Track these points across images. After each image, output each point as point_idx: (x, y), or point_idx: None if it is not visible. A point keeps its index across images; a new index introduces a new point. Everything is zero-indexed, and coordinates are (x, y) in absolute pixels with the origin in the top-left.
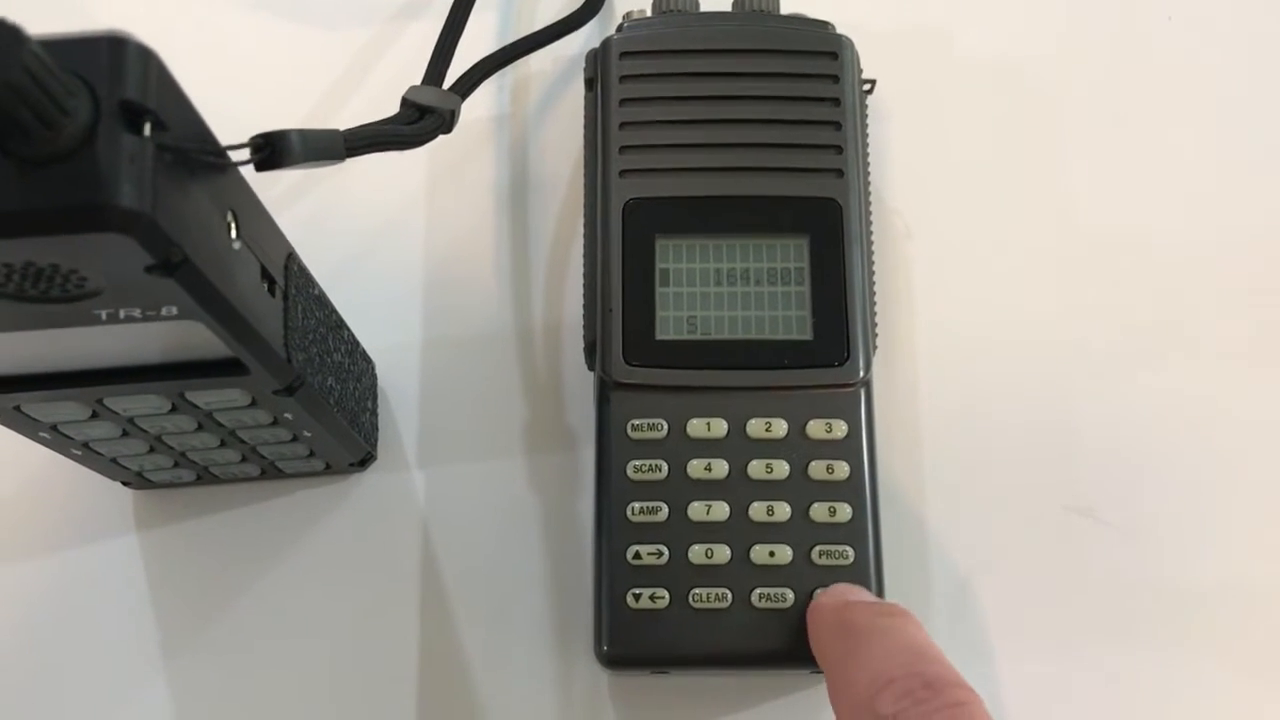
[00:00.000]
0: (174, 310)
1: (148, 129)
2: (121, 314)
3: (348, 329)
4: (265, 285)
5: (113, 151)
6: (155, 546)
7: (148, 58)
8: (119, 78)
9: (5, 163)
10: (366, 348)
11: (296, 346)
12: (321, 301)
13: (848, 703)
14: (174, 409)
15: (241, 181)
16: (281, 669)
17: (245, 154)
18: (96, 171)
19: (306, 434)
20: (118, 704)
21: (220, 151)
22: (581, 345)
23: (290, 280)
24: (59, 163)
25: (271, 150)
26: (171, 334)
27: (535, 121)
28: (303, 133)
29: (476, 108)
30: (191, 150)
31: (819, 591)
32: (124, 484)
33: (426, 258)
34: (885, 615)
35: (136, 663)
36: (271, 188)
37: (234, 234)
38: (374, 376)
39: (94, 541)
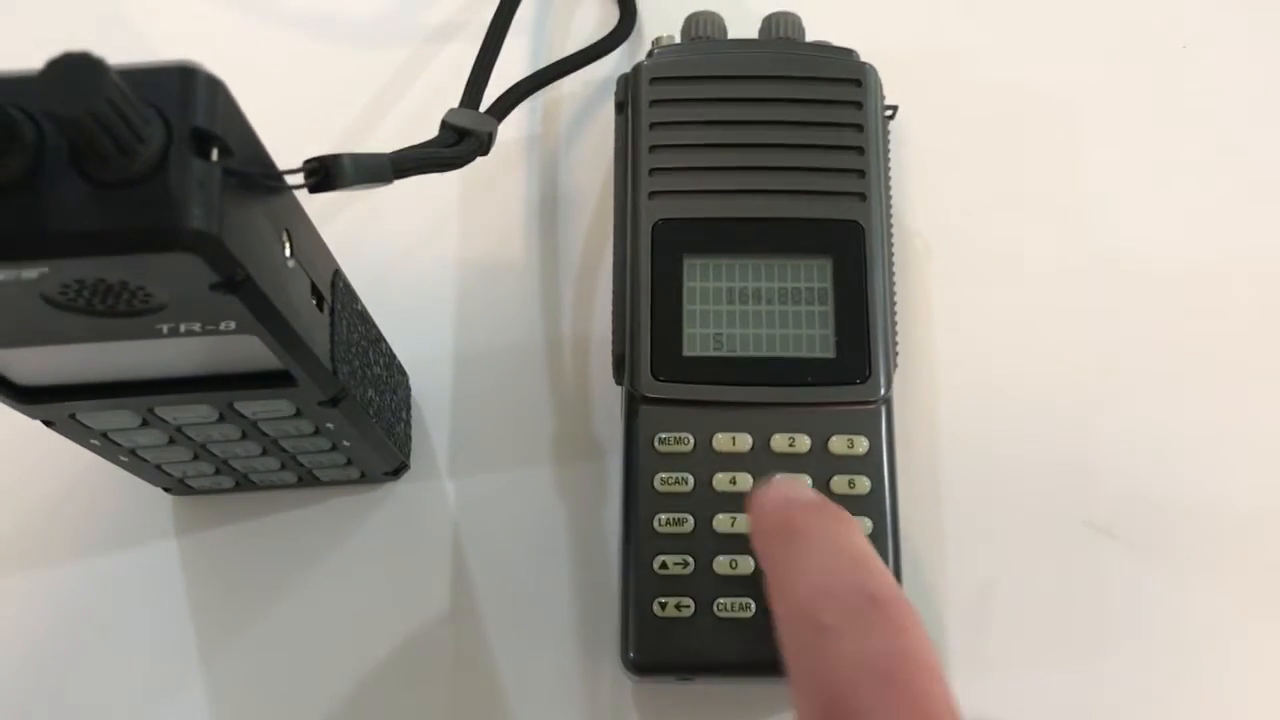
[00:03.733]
0: (232, 325)
1: (215, 155)
2: (183, 328)
3: (385, 342)
4: (314, 301)
5: (184, 176)
6: (194, 551)
7: (216, 87)
8: (190, 106)
9: (84, 186)
10: (401, 360)
11: (341, 360)
12: (363, 316)
13: (787, 610)
14: (221, 418)
15: (295, 203)
16: (315, 672)
17: (299, 177)
18: (169, 195)
19: (346, 443)
20: (155, 706)
21: (279, 176)
22: (609, 360)
23: (337, 296)
24: (133, 186)
25: (325, 173)
26: (226, 347)
27: (566, 142)
28: (354, 157)
29: (509, 129)
30: (254, 175)
31: (759, 486)
32: (165, 489)
33: (459, 273)
34: (828, 518)
35: (174, 666)
36: (310, 203)
37: (289, 252)
38: (408, 388)
39: (134, 546)
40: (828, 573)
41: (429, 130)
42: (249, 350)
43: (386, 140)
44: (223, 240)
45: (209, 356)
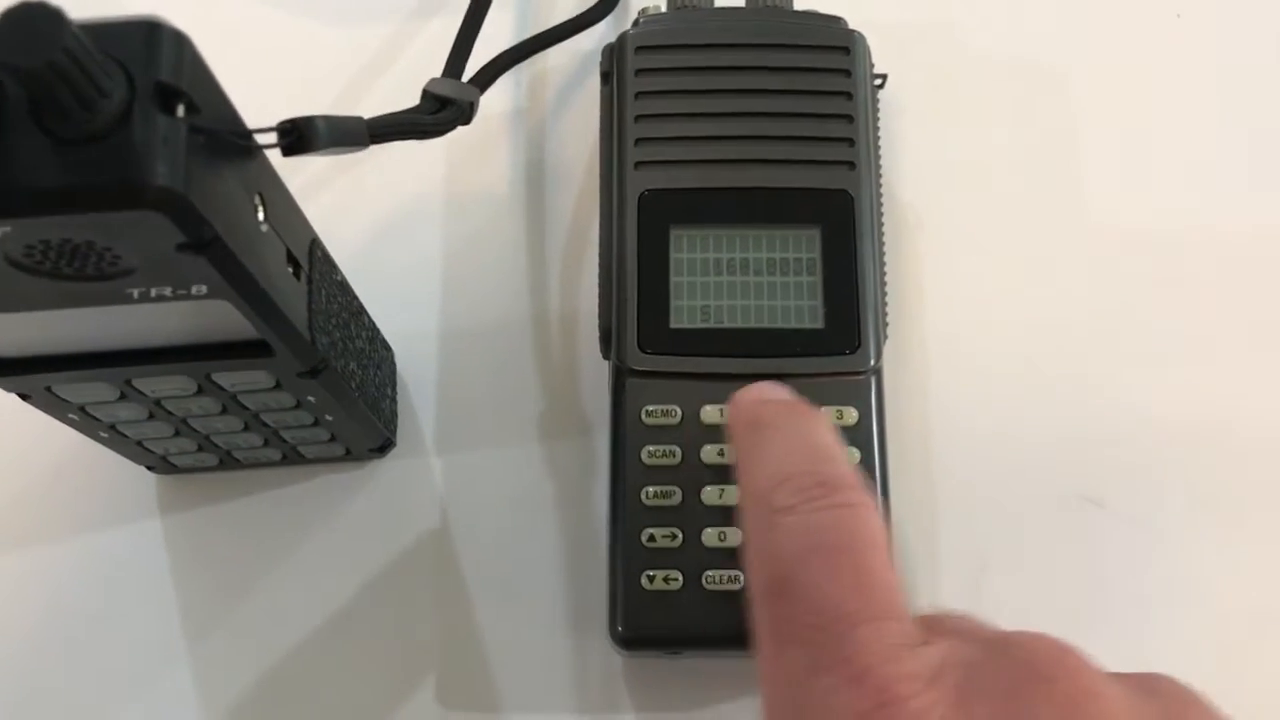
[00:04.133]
0: (203, 289)
1: (181, 110)
2: (153, 292)
3: (368, 315)
4: (291, 269)
5: (148, 131)
6: (178, 530)
7: (181, 42)
8: (154, 61)
9: (45, 142)
10: (386, 335)
11: (320, 329)
12: (344, 287)
13: (748, 495)
14: (200, 390)
15: (268, 166)
16: (302, 651)
17: (272, 139)
18: (132, 151)
19: (328, 418)
20: (141, 686)
21: (248, 134)
22: (596, 333)
23: (315, 265)
24: (95, 142)
25: (298, 135)
26: (200, 314)
27: (552, 114)
28: (328, 119)
29: (494, 101)
30: (222, 132)
31: (740, 390)
32: (148, 468)
33: (445, 248)
34: (795, 414)
35: (159, 645)
36: (294, 177)
37: (261, 216)
38: (393, 364)
39: (118, 525)
40: (786, 460)
41: (415, 103)
42: (224, 318)
43: (372, 112)
44: (189, 198)
45: (185, 325)
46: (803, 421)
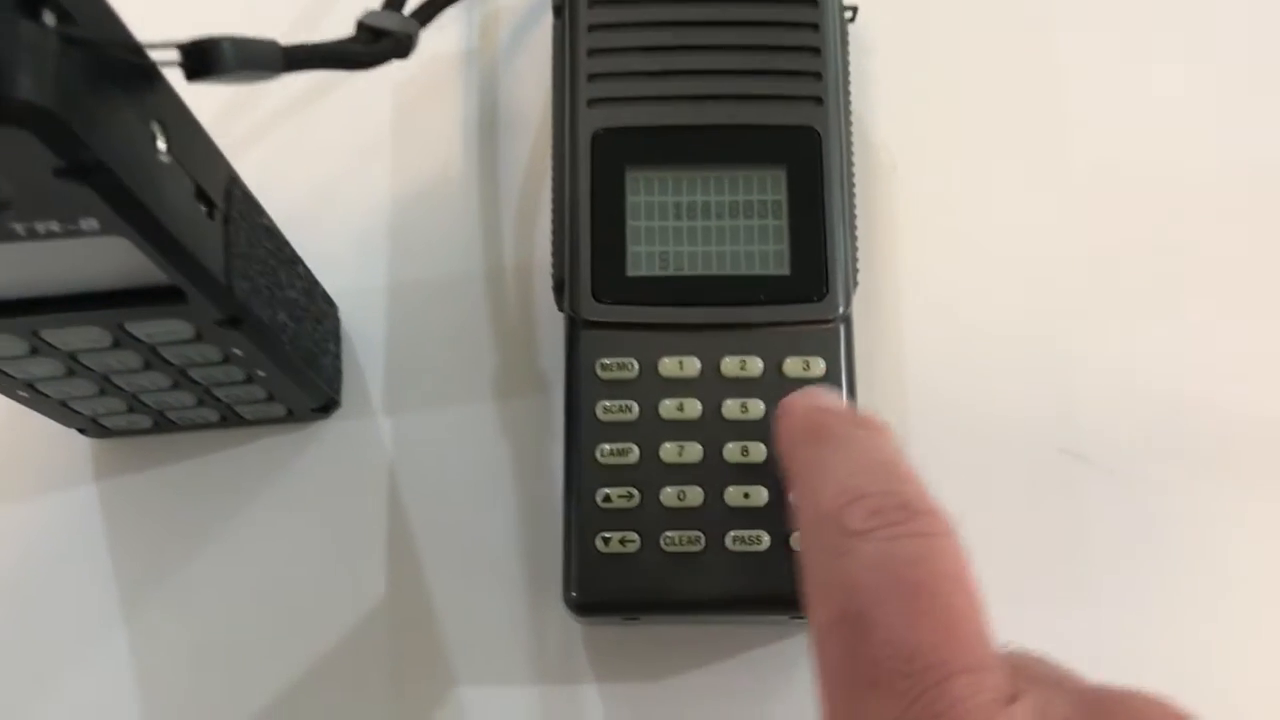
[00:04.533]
0: (94, 224)
1: (49, 18)
2: (39, 228)
3: (304, 265)
4: (203, 208)
5: (8, 40)
6: (114, 496)
7: None
8: None
9: None
10: (330, 291)
11: (240, 274)
12: (272, 233)
13: (812, 512)
14: (116, 343)
15: (171, 93)
16: (245, 620)
17: (172, 59)
18: None
19: (261, 374)
20: (78, 656)
21: (139, 50)
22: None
23: (233, 205)
24: None
25: (200, 56)
26: (103, 257)
27: (506, 56)
28: (236, 40)
29: (444, 41)
30: (104, 45)
31: (790, 395)
32: (80, 431)
33: (392, 198)
34: (862, 425)
35: (96, 615)
36: (232, 127)
37: (162, 146)
38: (337, 319)
39: (51, 491)
40: (858, 476)
41: None
42: (130, 262)
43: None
44: (60, 115)
45: (91, 270)
46: (873, 434)
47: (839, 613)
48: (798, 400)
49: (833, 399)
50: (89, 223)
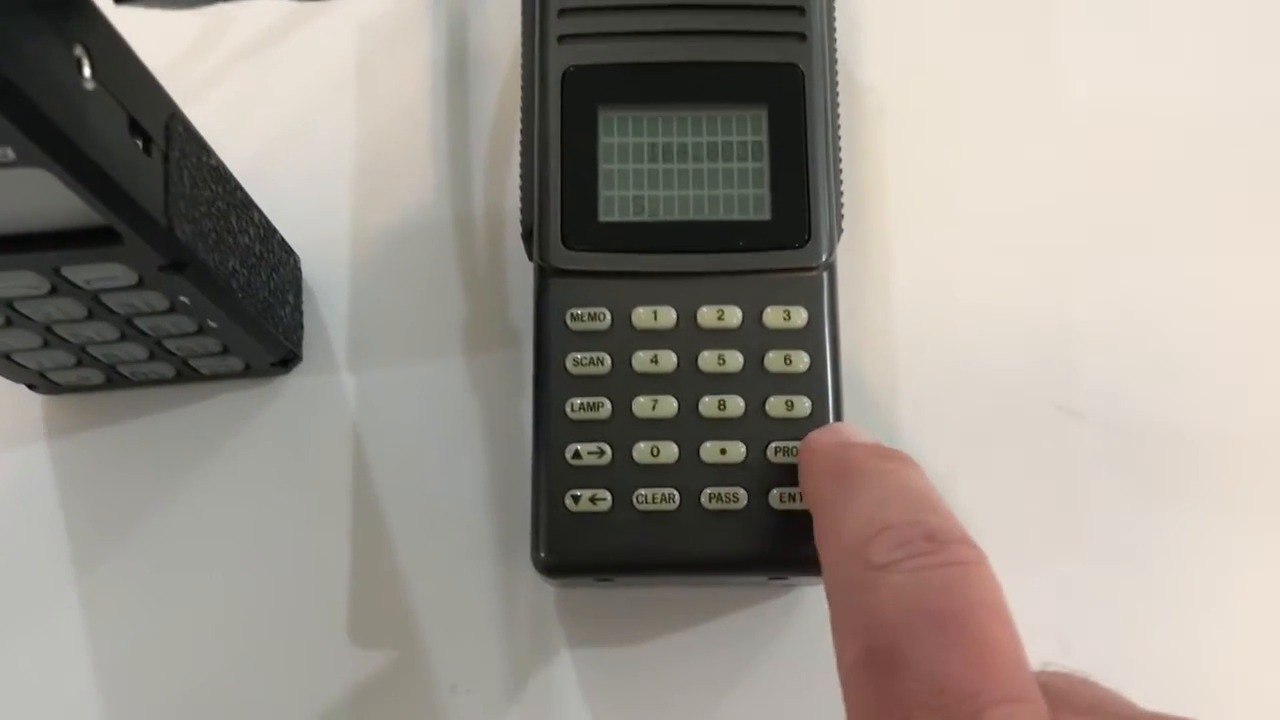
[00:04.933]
0: (9, 154)
1: None
2: None
3: (259, 211)
4: (139, 143)
5: None
6: (67, 454)
7: None
8: None
9: None
10: (291, 240)
11: (183, 216)
12: (221, 174)
13: (836, 549)
14: (54, 290)
15: (99, 18)
16: (202, 583)
17: None
18: None
19: (212, 324)
20: (30, 618)
21: None
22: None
23: (174, 142)
24: None
25: None
26: (30, 194)
27: None
28: None
29: None
30: None
31: (814, 432)
32: (29, 387)
33: (357, 143)
34: (887, 458)
35: (48, 576)
36: (191, 70)
37: (86, 72)
38: (297, 269)
39: (0, 450)
40: (882, 508)
41: None
42: (60, 200)
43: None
44: None
45: (16, 209)
46: (899, 467)
47: (865, 650)
48: (823, 437)
49: (859, 433)
50: (3, 152)
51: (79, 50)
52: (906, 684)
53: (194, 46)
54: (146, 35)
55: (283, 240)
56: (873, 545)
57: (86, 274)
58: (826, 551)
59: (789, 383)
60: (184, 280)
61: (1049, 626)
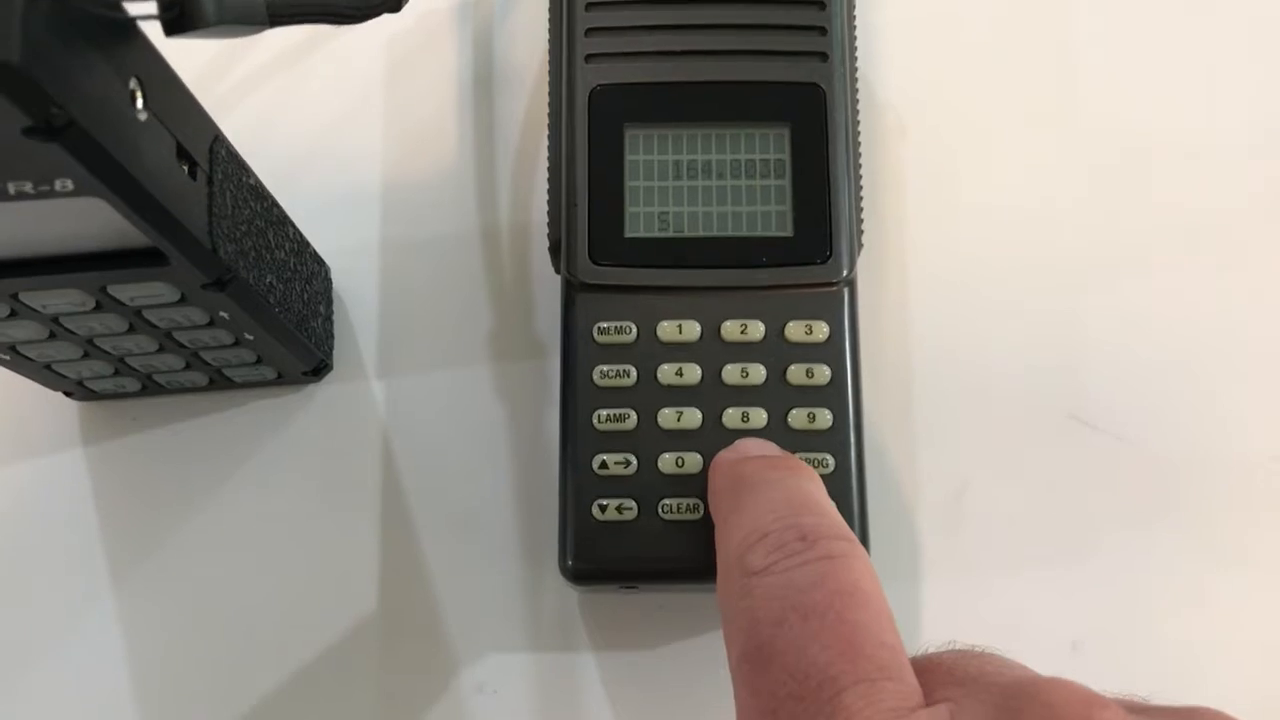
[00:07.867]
0: (69, 184)
1: None
2: (11, 188)
3: (293, 226)
4: (184, 167)
5: None
6: (102, 460)
7: None
8: None
9: None
10: (321, 251)
11: (225, 236)
12: (259, 193)
13: (723, 560)
14: (99, 306)
15: (150, 49)
16: (235, 587)
17: (151, 13)
18: None
19: (249, 337)
20: (65, 625)
21: (114, 4)
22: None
23: (216, 165)
24: None
25: (181, 10)
26: (81, 218)
27: (501, 9)
28: None
29: None
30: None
31: (721, 451)
32: (66, 394)
33: (385, 156)
34: (775, 468)
35: (83, 581)
36: (220, 84)
37: (140, 104)
38: (328, 280)
39: (37, 456)
40: (763, 516)
41: None
42: (110, 223)
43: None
44: (28, 72)
45: (70, 232)
46: (786, 475)
47: (740, 653)
48: (725, 455)
49: (760, 447)
50: (63, 183)
51: (133, 83)
52: (774, 676)
53: (225, 60)
54: (179, 50)
55: (314, 252)
56: (751, 552)
57: (131, 292)
58: (719, 564)
59: (811, 395)
60: (225, 297)
61: (1061, 631)
